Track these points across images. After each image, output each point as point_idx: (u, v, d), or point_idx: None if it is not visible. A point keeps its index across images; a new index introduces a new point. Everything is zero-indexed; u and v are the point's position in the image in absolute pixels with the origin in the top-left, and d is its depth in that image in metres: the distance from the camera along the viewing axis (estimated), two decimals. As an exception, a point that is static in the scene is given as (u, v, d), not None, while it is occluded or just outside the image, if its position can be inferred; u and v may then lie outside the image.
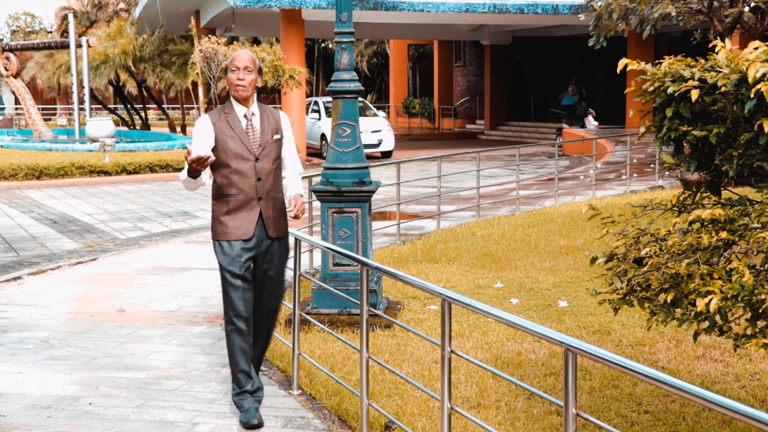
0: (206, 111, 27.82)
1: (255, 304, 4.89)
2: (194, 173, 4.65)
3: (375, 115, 26.34)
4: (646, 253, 3.96)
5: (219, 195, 4.84)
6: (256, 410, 4.82)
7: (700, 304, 3.47)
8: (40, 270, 9.44)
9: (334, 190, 6.86)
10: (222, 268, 4.83)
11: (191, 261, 9.75)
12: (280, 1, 22.83)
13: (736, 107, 3.73)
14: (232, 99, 4.83)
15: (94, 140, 24.63)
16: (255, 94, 4.89)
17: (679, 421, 4.78)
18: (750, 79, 3.55)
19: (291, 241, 5.52)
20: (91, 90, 29.46)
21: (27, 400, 5.23)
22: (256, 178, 4.78)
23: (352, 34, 6.76)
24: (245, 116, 4.81)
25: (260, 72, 4.83)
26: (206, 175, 4.78)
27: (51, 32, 49.53)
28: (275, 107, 5.08)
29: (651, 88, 4.03)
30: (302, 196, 4.98)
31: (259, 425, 4.75)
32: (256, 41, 38.31)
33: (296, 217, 4.81)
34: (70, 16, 28.67)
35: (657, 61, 4.13)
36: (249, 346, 4.87)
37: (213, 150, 4.78)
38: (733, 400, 2.42)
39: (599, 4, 11.63)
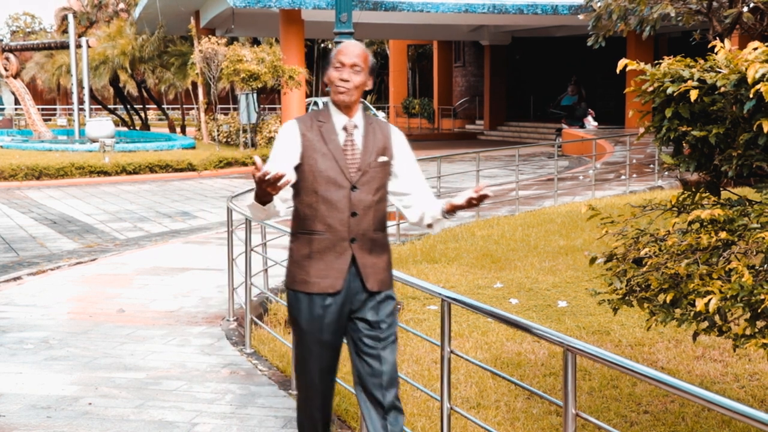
0: (206, 112, 27.93)
1: (361, 382, 3.66)
2: (263, 197, 3.43)
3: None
4: (646, 254, 3.96)
5: (300, 230, 3.65)
6: None
7: (700, 304, 3.47)
8: (40, 270, 9.44)
9: (333, 190, 6.84)
10: (297, 329, 3.66)
11: (191, 261, 9.75)
12: (280, 1, 22.84)
13: (735, 107, 3.73)
14: (330, 104, 3.68)
15: (93, 140, 24.65)
16: (360, 101, 3.70)
17: (678, 421, 4.78)
18: (749, 80, 3.55)
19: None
20: (90, 90, 29.47)
21: (27, 401, 5.24)
22: (349, 213, 3.56)
23: (351, 35, 6.77)
24: (345, 128, 3.61)
25: (372, 71, 3.65)
26: (282, 203, 3.60)
27: (51, 32, 49.55)
28: (380, 120, 3.80)
29: (650, 89, 4.03)
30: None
31: None
32: (255, 42, 38.32)
33: (480, 197, 3.46)
34: (70, 17, 28.70)
35: (656, 62, 4.13)
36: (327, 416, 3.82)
37: (298, 169, 3.58)
38: (733, 400, 2.43)
39: (599, 4, 11.64)
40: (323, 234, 3.58)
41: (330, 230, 3.57)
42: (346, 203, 3.56)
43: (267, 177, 3.24)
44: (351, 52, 3.59)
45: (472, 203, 3.49)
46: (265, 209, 3.51)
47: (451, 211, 3.61)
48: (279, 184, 3.27)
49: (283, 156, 3.57)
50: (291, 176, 3.51)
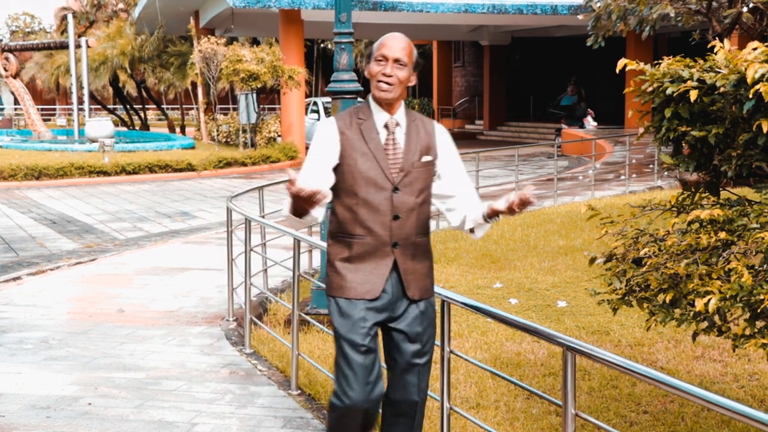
0: (205, 112, 27.93)
1: (390, 393, 3.52)
2: (299, 210, 3.25)
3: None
4: (645, 254, 3.96)
5: (339, 233, 3.45)
6: None
7: (699, 304, 3.47)
8: (40, 270, 9.44)
9: (333, 190, 6.83)
10: (338, 336, 3.41)
11: (190, 261, 9.75)
12: (280, 1, 22.84)
13: (734, 107, 3.73)
14: (370, 100, 3.46)
15: (93, 140, 24.65)
16: (402, 98, 3.48)
17: (677, 422, 4.78)
18: (749, 80, 3.55)
19: (294, 245, 5.47)
20: (90, 90, 29.46)
21: (26, 401, 5.24)
22: (391, 216, 3.36)
23: (351, 35, 6.76)
24: (386, 126, 3.42)
25: (417, 66, 3.44)
26: (320, 208, 3.34)
27: (50, 32, 49.56)
28: (424, 117, 3.58)
29: (650, 89, 4.03)
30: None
31: None
32: (255, 42, 38.34)
33: (523, 202, 3.24)
34: (70, 17, 28.70)
35: (656, 62, 4.13)
36: None
37: (336, 170, 3.39)
38: (732, 400, 2.43)
39: (598, 4, 11.65)
40: (363, 238, 3.38)
41: (371, 234, 3.37)
42: (387, 206, 3.36)
43: (302, 193, 3.08)
44: (395, 45, 3.36)
45: (513, 210, 3.30)
46: (302, 221, 3.33)
47: (492, 215, 3.41)
48: (314, 199, 3.12)
49: (320, 159, 3.37)
50: (327, 190, 3.31)
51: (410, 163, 3.39)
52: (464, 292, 7.57)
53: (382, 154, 3.37)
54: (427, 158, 3.43)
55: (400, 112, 3.45)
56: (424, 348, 3.46)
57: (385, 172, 3.36)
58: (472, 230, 3.53)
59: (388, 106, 3.41)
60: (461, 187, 3.51)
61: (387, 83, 3.35)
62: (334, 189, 3.42)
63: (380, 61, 3.36)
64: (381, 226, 3.36)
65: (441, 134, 3.51)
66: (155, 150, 23.21)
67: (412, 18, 26.03)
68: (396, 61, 3.34)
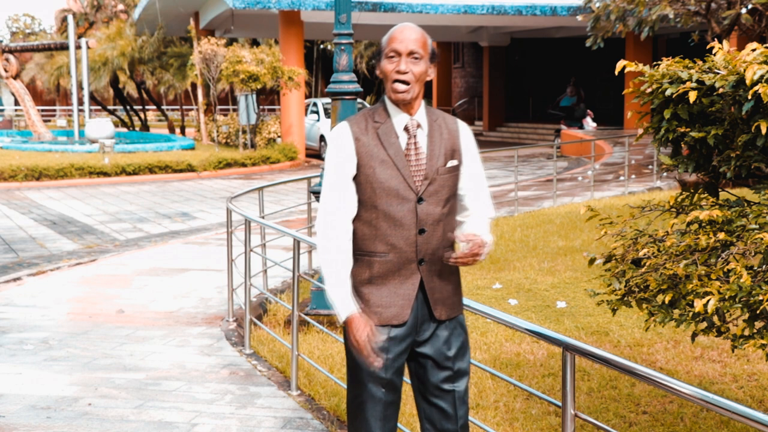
0: (205, 113, 27.93)
1: (428, 424, 3.15)
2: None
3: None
4: (644, 254, 3.96)
5: (357, 252, 3.06)
6: None
7: (698, 304, 3.47)
8: (40, 271, 9.45)
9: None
10: (356, 368, 3.07)
11: (190, 262, 9.76)
12: (279, 2, 22.86)
13: (733, 109, 3.74)
14: (386, 101, 3.07)
15: (93, 141, 24.67)
16: (422, 95, 3.07)
17: (677, 422, 4.79)
18: (747, 81, 3.56)
19: (294, 246, 5.46)
20: (90, 91, 29.47)
21: (26, 401, 5.24)
22: (417, 230, 3.00)
23: (351, 36, 6.76)
24: (406, 129, 3.03)
25: (433, 58, 3.04)
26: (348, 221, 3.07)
27: (50, 34, 49.57)
28: (446, 115, 3.18)
29: (649, 90, 4.04)
30: (486, 243, 3.02)
31: None
32: (255, 42, 38.35)
33: (461, 261, 2.98)
34: (70, 18, 28.72)
35: (655, 63, 4.14)
36: None
37: (354, 180, 3.04)
38: (731, 400, 2.43)
39: (597, 5, 11.67)
40: (386, 255, 3.01)
41: (394, 251, 3.00)
42: (412, 219, 2.99)
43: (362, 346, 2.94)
44: (407, 37, 2.96)
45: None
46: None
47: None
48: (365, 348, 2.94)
49: (343, 175, 3.01)
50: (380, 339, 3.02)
51: (435, 170, 3.02)
52: (463, 293, 7.56)
53: (404, 160, 3.00)
54: (452, 163, 3.06)
55: (421, 112, 3.05)
56: (456, 373, 3.10)
57: (407, 181, 2.99)
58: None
59: (406, 105, 3.02)
60: (477, 202, 3.14)
61: (403, 82, 2.96)
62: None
63: (392, 57, 2.96)
64: (405, 241, 2.99)
65: (465, 135, 3.13)
66: (155, 151, 23.22)
67: (411, 19, 26.05)
68: (410, 54, 2.95)
